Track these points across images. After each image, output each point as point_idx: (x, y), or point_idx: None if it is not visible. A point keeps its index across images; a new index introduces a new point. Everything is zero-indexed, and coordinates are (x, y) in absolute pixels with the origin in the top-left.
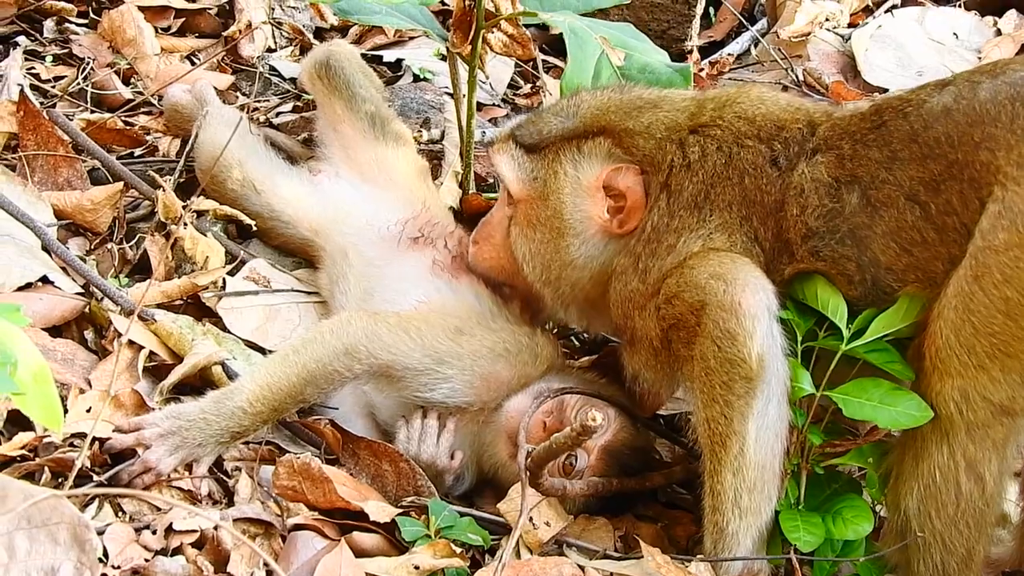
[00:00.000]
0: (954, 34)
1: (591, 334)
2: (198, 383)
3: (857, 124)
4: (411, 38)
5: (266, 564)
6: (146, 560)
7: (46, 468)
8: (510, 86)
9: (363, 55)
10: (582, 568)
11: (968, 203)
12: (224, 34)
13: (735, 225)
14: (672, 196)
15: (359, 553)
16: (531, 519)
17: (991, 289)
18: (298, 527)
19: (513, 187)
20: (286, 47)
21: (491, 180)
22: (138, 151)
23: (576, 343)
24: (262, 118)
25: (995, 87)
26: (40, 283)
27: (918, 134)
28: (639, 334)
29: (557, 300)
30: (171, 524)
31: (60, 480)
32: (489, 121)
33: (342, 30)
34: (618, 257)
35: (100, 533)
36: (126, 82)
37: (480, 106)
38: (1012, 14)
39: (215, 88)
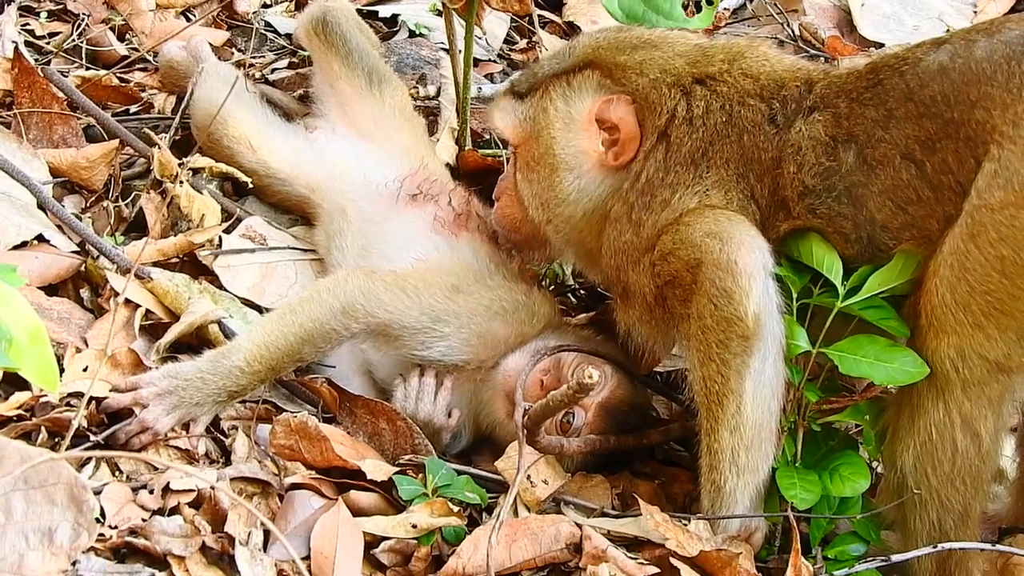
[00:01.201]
0: None
1: (588, 286)
2: (195, 342)
3: (854, 82)
4: None
5: (263, 523)
6: (143, 520)
7: (43, 428)
8: (506, 41)
9: (359, 11)
10: (580, 526)
11: (964, 162)
12: None
13: (731, 182)
14: (670, 149)
15: (356, 512)
16: (529, 477)
17: (987, 247)
18: (295, 486)
19: (508, 134)
20: (281, 3)
21: (487, 136)
22: (133, 108)
23: (573, 300)
24: (257, 75)
25: (991, 46)
26: (36, 241)
27: (914, 92)
28: (632, 288)
29: (557, 240)
30: (168, 484)
31: (57, 440)
32: (485, 77)
33: None
34: (613, 201)
35: (97, 493)
36: (121, 38)
37: (476, 62)
38: None
39: (210, 44)
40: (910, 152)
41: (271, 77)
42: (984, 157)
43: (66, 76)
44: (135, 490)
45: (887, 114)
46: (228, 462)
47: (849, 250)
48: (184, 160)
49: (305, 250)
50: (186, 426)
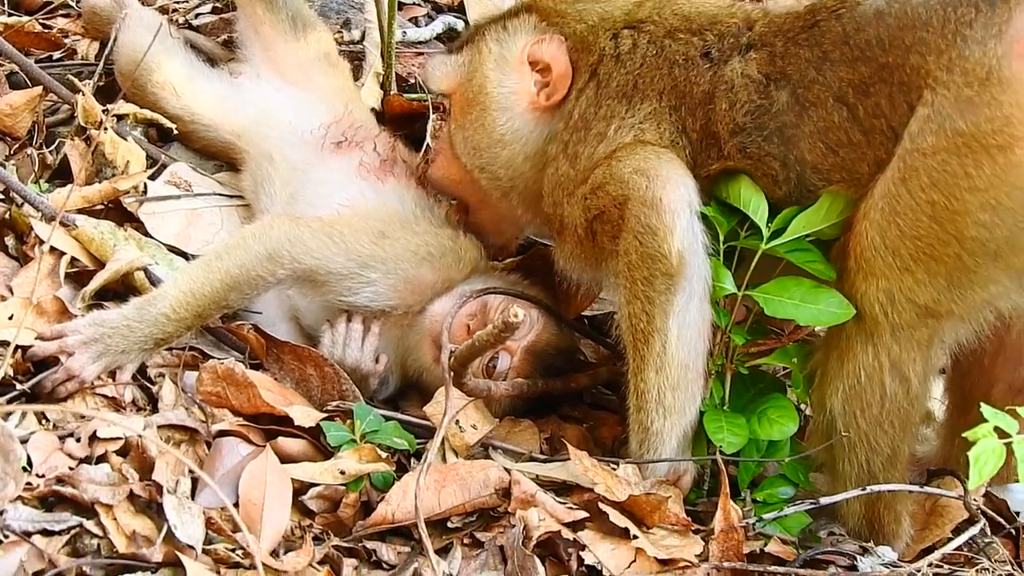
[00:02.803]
0: None
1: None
2: (121, 289)
3: (791, 23)
4: None
5: (191, 471)
6: (70, 468)
7: None
8: None
9: None
10: (508, 471)
11: (896, 106)
12: None
13: (664, 115)
14: (600, 85)
15: (284, 459)
16: (457, 422)
17: (918, 192)
18: (223, 433)
19: (442, 84)
20: None
21: (412, 81)
22: (57, 55)
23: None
24: (181, 20)
25: None
26: None
27: (849, 36)
28: (567, 222)
29: (496, 189)
30: (95, 432)
31: None
32: (410, 20)
33: None
34: (550, 144)
35: (23, 442)
36: None
37: (400, 5)
38: None
39: None
40: (843, 95)
41: (195, 22)
42: (918, 102)
43: None
44: (62, 439)
45: (822, 56)
46: (155, 410)
47: (778, 192)
48: (108, 107)
49: (231, 196)
50: (112, 374)
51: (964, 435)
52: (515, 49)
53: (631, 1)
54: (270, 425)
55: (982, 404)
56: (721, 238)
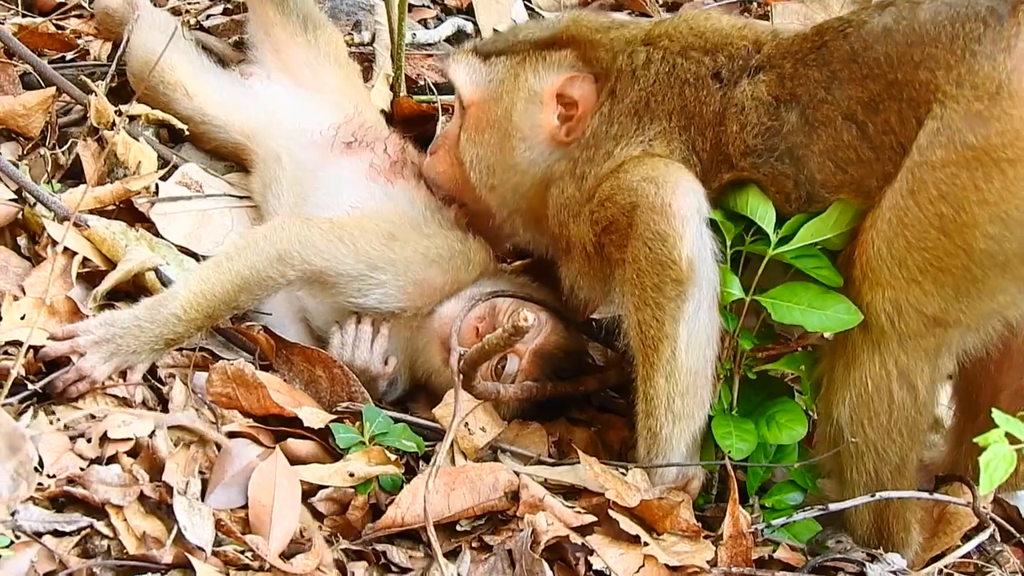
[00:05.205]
0: None
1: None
2: (132, 290)
3: (799, 44)
4: None
5: (201, 472)
6: (81, 469)
7: None
8: None
9: None
10: (517, 474)
11: (906, 122)
12: None
13: (674, 134)
14: (615, 102)
15: (294, 460)
16: (466, 424)
17: (926, 204)
18: (233, 434)
19: (465, 91)
20: None
21: (421, 83)
22: (70, 55)
23: (508, 246)
24: (192, 21)
25: (935, 8)
26: None
27: (858, 54)
28: (573, 240)
29: (502, 208)
30: (106, 432)
31: None
32: (420, 23)
33: None
34: (558, 164)
35: (35, 442)
36: None
37: (411, 7)
38: None
39: None
40: (852, 113)
41: (206, 23)
42: (927, 116)
43: (2, 24)
44: (73, 439)
45: (831, 75)
46: (165, 410)
47: (788, 208)
48: (121, 107)
49: (241, 197)
50: (123, 374)
51: (975, 440)
52: (547, 82)
53: (654, 23)
54: (279, 426)
55: (994, 410)
56: (728, 243)
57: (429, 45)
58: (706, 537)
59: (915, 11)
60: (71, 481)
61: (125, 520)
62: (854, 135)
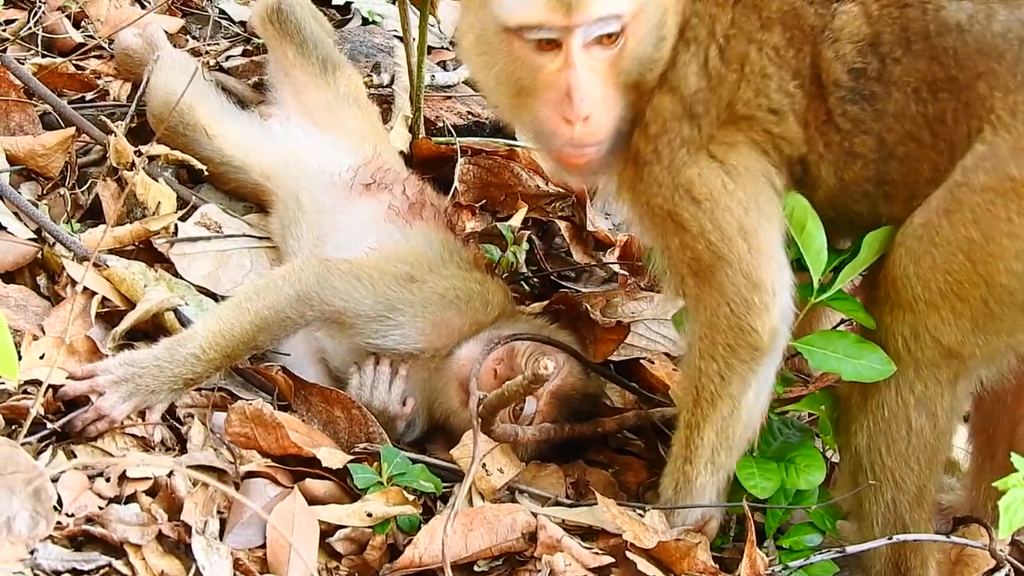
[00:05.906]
0: None
1: (541, 275)
2: (151, 330)
3: None
4: None
5: (220, 511)
6: (100, 508)
7: (0, 416)
8: None
9: None
10: (535, 515)
11: (958, 124)
12: None
13: (780, 50)
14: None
15: (312, 500)
16: (484, 466)
17: (959, 226)
18: (251, 474)
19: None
20: None
21: (440, 125)
22: (89, 95)
23: (526, 288)
24: (212, 62)
25: (1008, 22)
26: None
27: (930, 34)
28: (652, 192)
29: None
30: (124, 471)
31: (14, 428)
32: (438, 64)
33: None
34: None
35: (54, 481)
36: (77, 26)
37: (430, 49)
38: None
39: (165, 32)
40: (918, 88)
41: (226, 64)
42: (976, 134)
43: (22, 64)
44: (92, 478)
45: (906, 41)
46: (184, 450)
47: (857, 206)
48: (140, 148)
49: (260, 238)
50: (142, 414)
51: (994, 484)
52: None
53: None
54: (298, 467)
55: (1013, 454)
56: None
57: (448, 87)
58: None
59: (991, 17)
60: (90, 520)
61: (143, 559)
62: (918, 110)
